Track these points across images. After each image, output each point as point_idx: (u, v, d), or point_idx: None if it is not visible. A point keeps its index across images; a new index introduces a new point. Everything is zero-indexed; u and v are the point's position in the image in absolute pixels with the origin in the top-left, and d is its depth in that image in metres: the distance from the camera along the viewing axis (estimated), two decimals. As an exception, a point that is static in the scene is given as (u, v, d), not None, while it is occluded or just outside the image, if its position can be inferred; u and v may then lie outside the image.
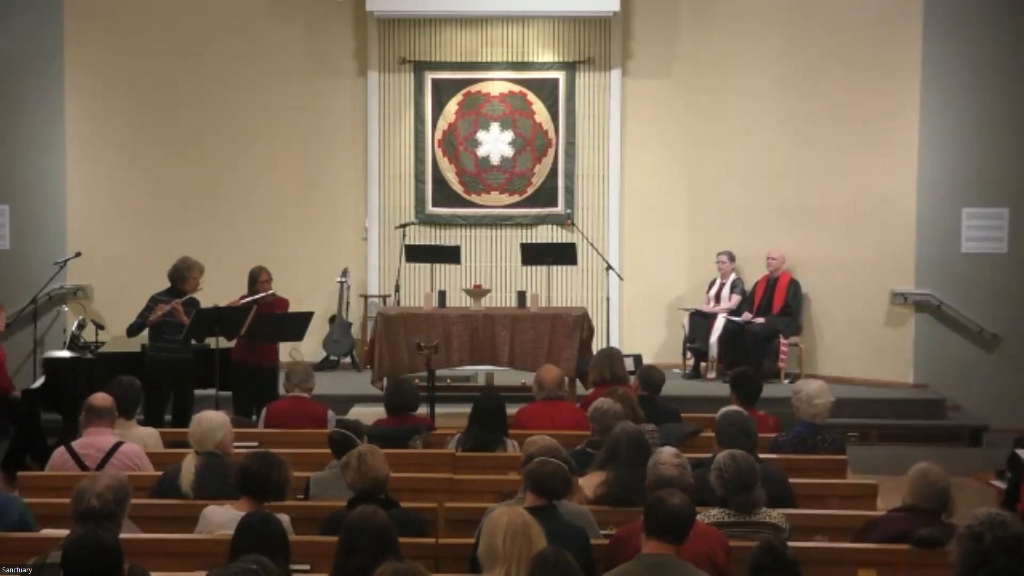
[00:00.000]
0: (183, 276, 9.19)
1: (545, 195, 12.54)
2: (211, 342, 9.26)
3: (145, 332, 9.19)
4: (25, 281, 11.48)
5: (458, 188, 12.56)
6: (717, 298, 11.87)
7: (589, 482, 5.76)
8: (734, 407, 6.71)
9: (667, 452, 5.36)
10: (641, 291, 12.40)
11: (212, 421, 6.06)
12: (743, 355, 11.07)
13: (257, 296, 9.46)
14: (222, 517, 5.19)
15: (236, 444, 6.48)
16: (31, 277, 11.50)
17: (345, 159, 12.55)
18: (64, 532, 4.50)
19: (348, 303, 12.36)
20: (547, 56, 12.53)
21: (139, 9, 12.25)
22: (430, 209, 12.57)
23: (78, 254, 11.60)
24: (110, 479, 4.73)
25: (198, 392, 9.41)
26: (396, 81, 12.51)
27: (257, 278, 9.63)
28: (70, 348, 10.00)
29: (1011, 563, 3.42)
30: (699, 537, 4.63)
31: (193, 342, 9.23)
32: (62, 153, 12.00)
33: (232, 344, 9.35)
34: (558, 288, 12.20)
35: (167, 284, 9.24)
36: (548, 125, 12.51)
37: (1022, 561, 3.43)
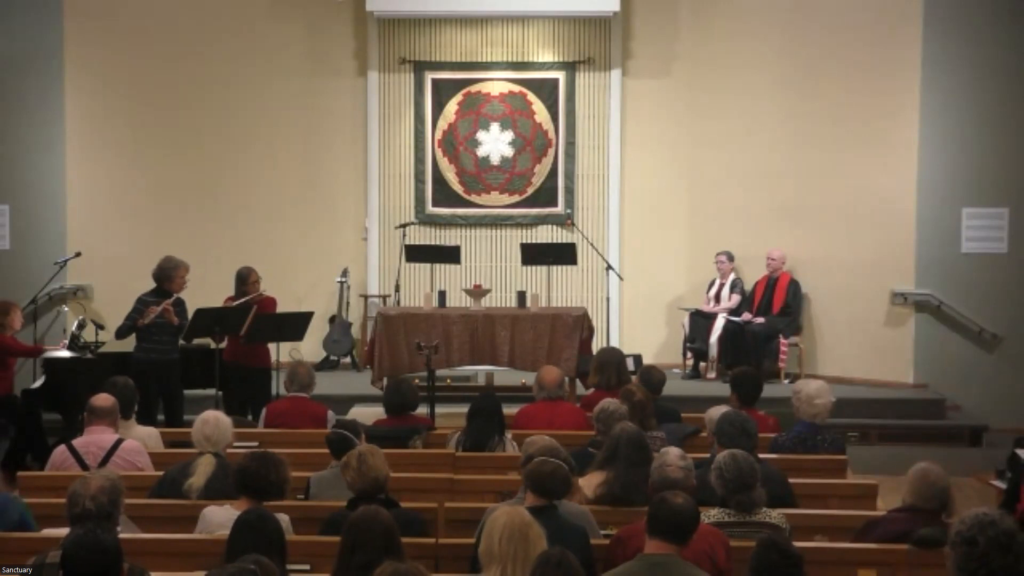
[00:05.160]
0: (169, 276, 9.18)
1: (545, 195, 12.55)
2: (208, 342, 9.27)
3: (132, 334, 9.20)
4: (25, 281, 11.48)
5: (458, 188, 12.56)
6: (717, 298, 11.87)
7: (589, 482, 5.76)
8: (727, 407, 6.73)
9: (673, 454, 5.36)
10: (641, 291, 12.40)
11: (223, 421, 6.07)
12: (743, 355, 11.08)
13: (248, 297, 9.46)
14: (221, 517, 5.19)
15: (236, 444, 6.50)
16: (31, 277, 11.50)
17: (345, 159, 12.55)
18: (64, 532, 4.49)
19: (348, 303, 12.36)
20: (547, 56, 12.53)
21: (139, 9, 12.26)
22: (430, 209, 12.57)
23: (78, 254, 11.59)
24: (102, 480, 4.71)
25: (197, 392, 9.42)
26: (396, 81, 12.51)
27: (247, 278, 9.64)
28: (70, 348, 10.00)
29: (1007, 560, 3.44)
30: (700, 536, 4.63)
31: (181, 342, 9.25)
32: (62, 153, 12.01)
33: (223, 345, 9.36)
34: (558, 288, 12.20)
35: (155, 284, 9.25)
36: (548, 125, 12.51)
37: (1018, 557, 3.44)
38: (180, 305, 9.14)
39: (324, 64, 12.49)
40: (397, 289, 11.95)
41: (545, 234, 12.46)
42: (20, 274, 11.68)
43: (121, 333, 9.22)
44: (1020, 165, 11.08)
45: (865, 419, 10.41)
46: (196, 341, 9.63)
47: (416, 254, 11.63)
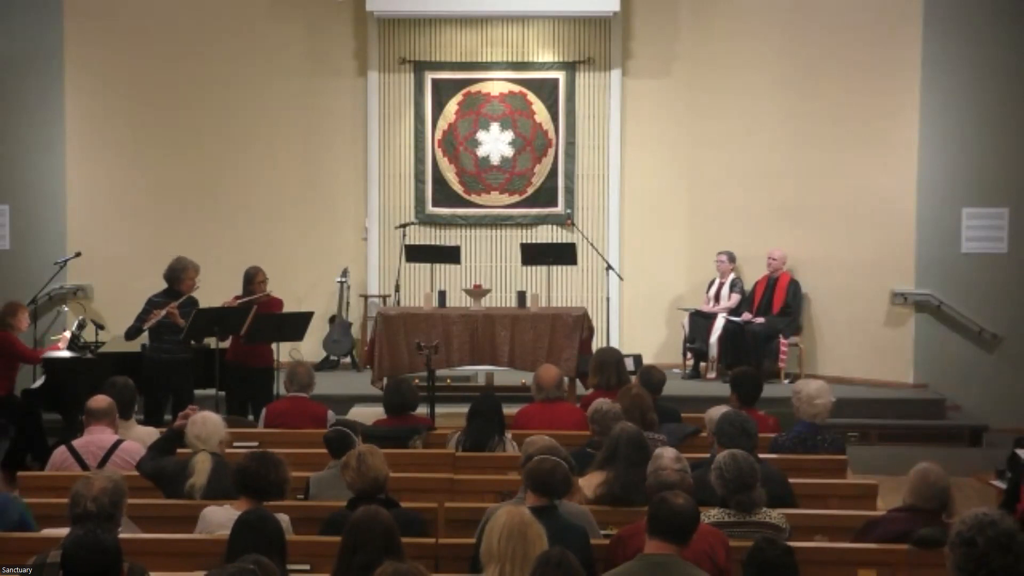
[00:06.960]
0: (179, 277, 9.21)
1: (545, 195, 12.54)
2: (210, 342, 9.27)
3: (144, 334, 9.22)
4: (25, 281, 11.47)
5: (458, 188, 12.56)
6: (716, 298, 11.87)
7: (589, 482, 5.76)
8: (727, 407, 6.73)
9: (668, 457, 5.36)
10: (641, 291, 12.40)
11: (211, 419, 6.08)
12: (743, 355, 11.08)
13: (253, 296, 9.48)
14: (221, 517, 5.19)
15: (236, 444, 6.49)
16: (31, 277, 11.50)
17: (345, 159, 12.55)
18: (64, 532, 4.49)
19: (348, 303, 12.36)
20: (547, 56, 12.52)
21: (139, 9, 12.26)
22: (430, 209, 12.57)
23: (78, 254, 11.60)
24: (105, 480, 4.72)
25: (198, 392, 9.42)
26: (396, 81, 12.51)
27: (254, 278, 9.66)
28: (70, 348, 10.00)
29: (1007, 560, 3.43)
30: (700, 536, 4.63)
31: (192, 343, 9.25)
32: (62, 153, 12.01)
33: (226, 345, 9.37)
34: (558, 288, 12.20)
35: (166, 284, 9.27)
36: (548, 125, 12.51)
37: (1018, 557, 3.44)
38: (192, 306, 9.15)
39: (324, 64, 12.49)
40: (397, 289, 11.95)
41: (545, 234, 12.46)
42: (20, 274, 11.68)
43: (129, 334, 9.26)
44: (1020, 165, 11.09)
45: (865, 419, 10.42)
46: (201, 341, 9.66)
47: (416, 254, 11.64)
